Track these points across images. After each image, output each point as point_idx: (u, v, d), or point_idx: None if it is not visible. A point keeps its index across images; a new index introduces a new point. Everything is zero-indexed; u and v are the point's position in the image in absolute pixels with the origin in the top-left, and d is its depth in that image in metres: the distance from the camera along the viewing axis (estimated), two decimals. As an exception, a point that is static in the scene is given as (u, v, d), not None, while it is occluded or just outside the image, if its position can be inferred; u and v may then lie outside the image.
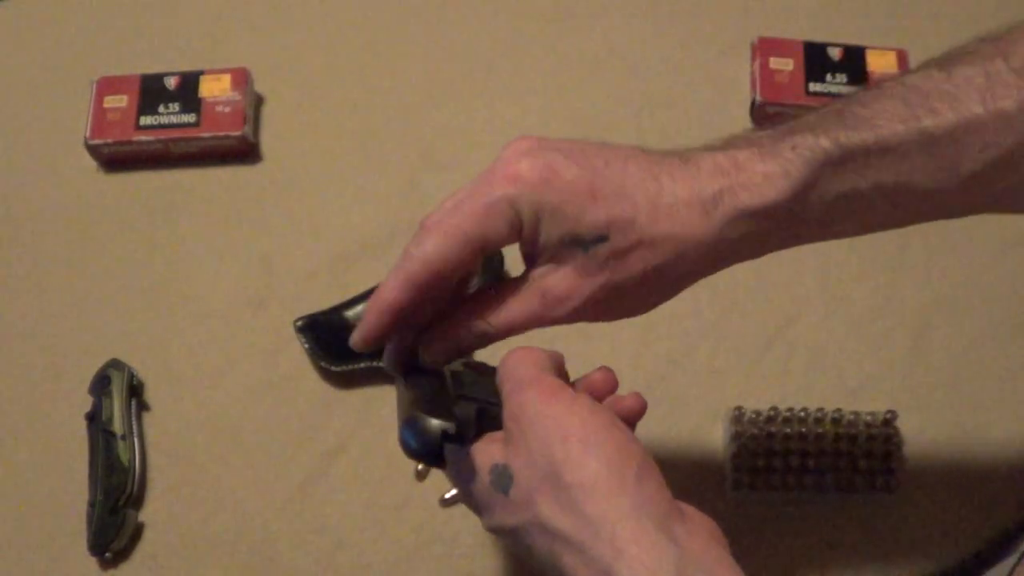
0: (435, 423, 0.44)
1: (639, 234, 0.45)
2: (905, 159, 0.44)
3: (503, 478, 0.44)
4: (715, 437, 0.73)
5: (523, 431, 0.44)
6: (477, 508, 0.48)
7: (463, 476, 0.47)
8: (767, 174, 0.45)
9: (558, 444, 0.43)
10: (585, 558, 0.41)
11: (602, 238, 0.45)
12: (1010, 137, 0.43)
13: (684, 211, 0.45)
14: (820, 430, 0.71)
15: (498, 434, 0.47)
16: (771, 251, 0.48)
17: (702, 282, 0.48)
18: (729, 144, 0.47)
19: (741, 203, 0.45)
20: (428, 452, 0.44)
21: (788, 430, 0.71)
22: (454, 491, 0.72)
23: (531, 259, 0.48)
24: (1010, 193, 0.46)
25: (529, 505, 0.43)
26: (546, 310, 0.47)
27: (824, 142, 0.45)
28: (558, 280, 0.46)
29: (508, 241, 0.47)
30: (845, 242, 0.49)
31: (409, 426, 0.44)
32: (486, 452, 0.46)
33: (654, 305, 0.49)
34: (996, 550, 0.70)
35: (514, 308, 0.47)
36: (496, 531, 0.47)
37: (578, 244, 0.46)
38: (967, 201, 0.47)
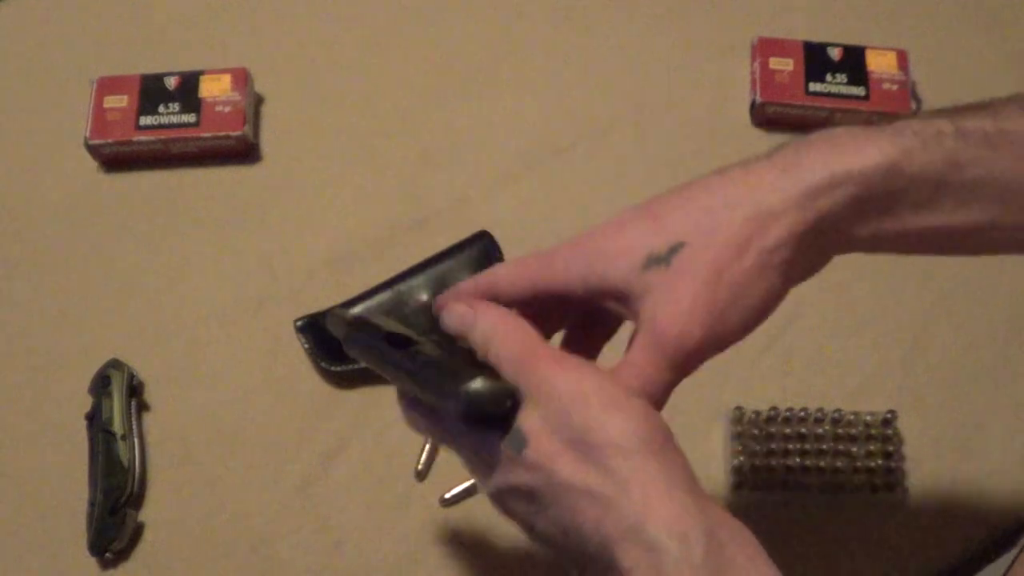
0: (511, 387, 0.43)
1: (715, 222, 0.43)
2: None
3: (516, 440, 0.43)
4: (715, 437, 0.73)
5: (537, 402, 0.43)
6: (483, 466, 0.46)
7: (472, 435, 0.45)
8: (871, 139, 0.43)
9: (577, 410, 0.41)
10: (611, 511, 0.40)
11: (679, 244, 0.44)
12: None
13: (756, 177, 0.44)
14: (820, 430, 0.71)
15: None
16: (854, 245, 0.45)
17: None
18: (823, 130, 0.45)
19: (837, 163, 0.42)
20: (500, 416, 0.43)
21: (788, 430, 0.71)
22: (454, 491, 0.72)
23: (632, 310, 0.46)
24: None
25: (544, 467, 0.42)
26: (662, 349, 0.44)
27: (940, 122, 0.43)
28: (659, 307, 0.44)
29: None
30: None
31: (485, 383, 0.43)
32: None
33: (766, 301, 0.45)
34: (993, 549, 0.70)
35: (634, 363, 0.44)
36: (501, 490, 0.45)
37: (659, 262, 0.44)
38: None
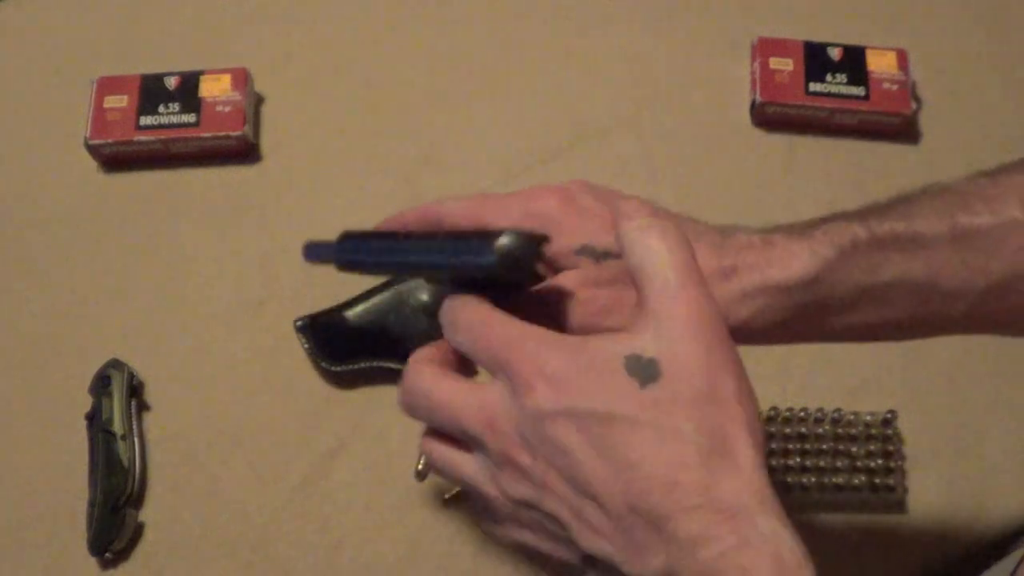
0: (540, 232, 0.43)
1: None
2: (936, 251, 0.45)
3: (648, 370, 0.38)
4: (715, 437, 0.73)
5: (683, 339, 0.39)
6: (558, 373, 0.39)
7: (559, 329, 0.42)
8: (794, 252, 0.46)
9: (729, 380, 0.38)
10: (725, 483, 0.37)
11: (613, 254, 0.46)
12: None
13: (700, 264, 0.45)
14: (820, 430, 0.71)
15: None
16: (787, 339, 0.48)
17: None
18: (770, 229, 0.48)
19: (761, 278, 0.45)
20: (530, 260, 0.42)
21: (788, 430, 0.71)
22: (455, 490, 0.72)
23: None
24: None
25: (665, 407, 0.37)
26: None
27: (856, 227, 0.46)
28: (570, 278, 0.46)
29: None
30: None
31: (512, 232, 0.40)
32: (625, 338, 0.39)
33: None
34: (994, 549, 0.70)
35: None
36: (572, 413, 0.38)
37: (590, 254, 0.46)
38: (990, 311, 0.47)
